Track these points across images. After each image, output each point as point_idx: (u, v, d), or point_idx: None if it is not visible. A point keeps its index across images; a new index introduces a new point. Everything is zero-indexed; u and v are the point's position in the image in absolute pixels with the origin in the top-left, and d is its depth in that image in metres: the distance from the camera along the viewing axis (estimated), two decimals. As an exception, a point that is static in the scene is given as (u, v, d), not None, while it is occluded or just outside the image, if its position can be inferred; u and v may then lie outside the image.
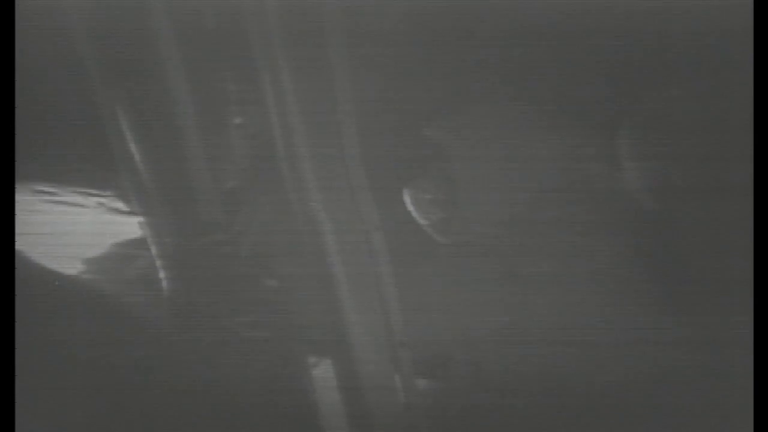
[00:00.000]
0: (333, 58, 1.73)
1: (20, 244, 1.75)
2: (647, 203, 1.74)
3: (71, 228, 1.77)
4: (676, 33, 1.73)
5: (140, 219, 1.77)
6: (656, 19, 1.73)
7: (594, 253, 1.74)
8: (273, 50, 1.73)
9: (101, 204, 1.77)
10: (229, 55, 1.74)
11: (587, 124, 1.74)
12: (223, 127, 1.75)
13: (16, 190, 1.74)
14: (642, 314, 1.74)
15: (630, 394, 1.73)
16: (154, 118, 1.75)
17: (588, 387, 1.73)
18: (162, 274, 1.78)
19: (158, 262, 1.77)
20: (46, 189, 1.77)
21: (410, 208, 1.75)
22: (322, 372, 1.77)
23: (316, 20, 1.73)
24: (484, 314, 1.74)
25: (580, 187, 1.75)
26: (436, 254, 1.75)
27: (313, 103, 1.74)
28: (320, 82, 1.74)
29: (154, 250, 1.77)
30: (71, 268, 1.77)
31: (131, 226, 1.77)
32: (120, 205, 1.77)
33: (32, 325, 1.74)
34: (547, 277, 1.74)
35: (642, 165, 1.75)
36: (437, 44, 1.74)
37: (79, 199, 1.77)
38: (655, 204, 1.74)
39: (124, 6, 1.73)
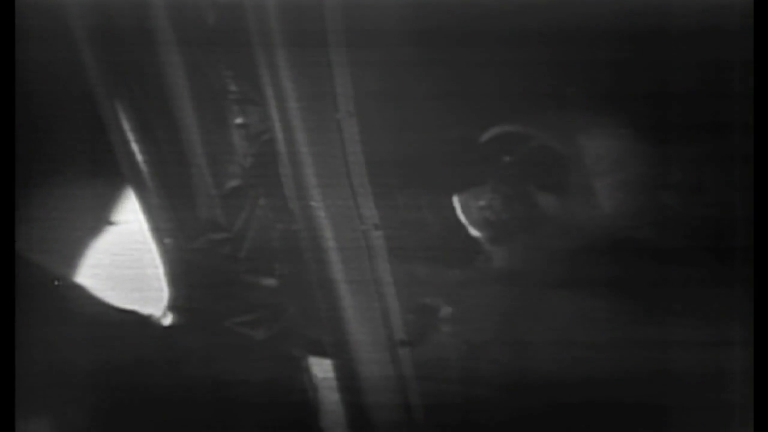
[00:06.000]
0: (334, 58, 1.73)
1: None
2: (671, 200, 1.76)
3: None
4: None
5: (141, 219, 1.77)
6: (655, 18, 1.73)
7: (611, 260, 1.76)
8: (273, 50, 1.73)
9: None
10: (230, 54, 1.74)
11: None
12: (223, 127, 1.75)
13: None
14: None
15: (630, 395, 1.74)
16: (154, 118, 1.75)
17: (588, 387, 1.74)
18: (162, 274, 1.78)
19: (158, 262, 1.78)
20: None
21: (460, 215, 1.76)
22: (322, 372, 1.77)
23: (317, 19, 1.73)
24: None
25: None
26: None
27: (314, 103, 1.74)
28: (321, 82, 1.74)
29: (154, 250, 1.77)
30: (72, 268, 1.77)
31: (132, 226, 1.77)
32: (120, 205, 1.77)
33: (32, 325, 1.74)
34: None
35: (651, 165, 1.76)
36: (438, 44, 1.74)
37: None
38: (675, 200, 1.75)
39: (125, 6, 1.73)
